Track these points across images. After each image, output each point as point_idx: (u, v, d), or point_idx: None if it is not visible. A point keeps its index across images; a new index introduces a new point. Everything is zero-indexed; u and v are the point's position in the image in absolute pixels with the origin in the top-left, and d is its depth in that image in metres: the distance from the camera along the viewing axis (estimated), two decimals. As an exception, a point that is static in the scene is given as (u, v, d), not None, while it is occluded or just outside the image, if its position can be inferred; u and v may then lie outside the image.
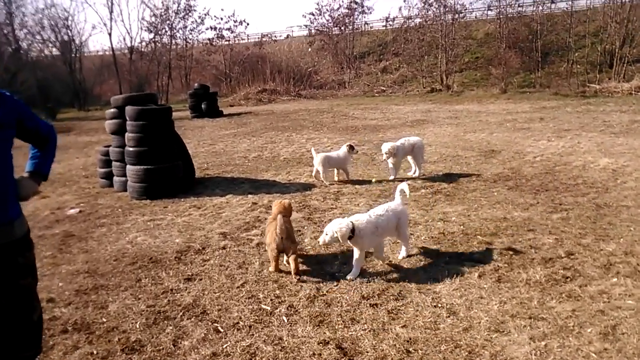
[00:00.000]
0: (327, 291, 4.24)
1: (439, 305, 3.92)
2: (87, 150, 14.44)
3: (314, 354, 3.34)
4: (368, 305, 3.97)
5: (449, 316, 3.74)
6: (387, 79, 30.50)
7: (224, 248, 5.33)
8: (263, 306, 4.01)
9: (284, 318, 3.80)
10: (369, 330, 3.59)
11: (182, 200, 7.49)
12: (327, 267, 4.74)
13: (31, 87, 29.90)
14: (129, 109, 7.67)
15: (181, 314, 3.94)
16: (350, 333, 3.57)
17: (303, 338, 3.53)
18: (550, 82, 24.24)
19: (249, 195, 7.50)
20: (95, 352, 3.44)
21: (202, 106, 21.04)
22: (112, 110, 8.36)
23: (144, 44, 38.27)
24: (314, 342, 3.47)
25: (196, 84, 22.91)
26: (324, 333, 3.58)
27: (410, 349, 3.34)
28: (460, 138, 11.90)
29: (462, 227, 5.66)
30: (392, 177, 7.87)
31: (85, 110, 32.51)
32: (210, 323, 3.78)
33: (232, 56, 35.83)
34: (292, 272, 4.47)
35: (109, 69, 38.19)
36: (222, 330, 3.67)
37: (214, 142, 13.80)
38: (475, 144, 11.04)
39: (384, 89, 28.75)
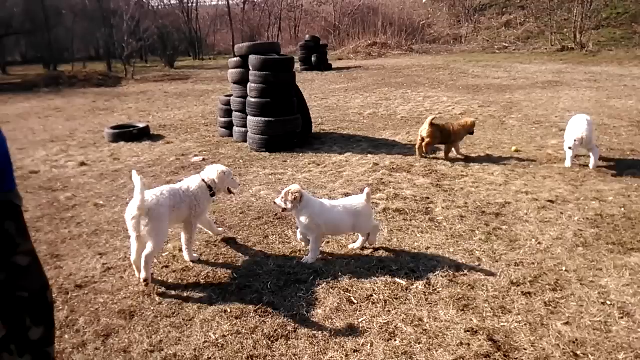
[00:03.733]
0: (467, 271, 3.80)
1: (608, 302, 3.33)
2: (204, 98, 14.91)
3: (461, 343, 2.97)
4: (520, 293, 3.48)
5: (622, 317, 3.16)
6: (509, 34, 27.93)
7: (349, 210, 5.05)
8: (398, 280, 3.68)
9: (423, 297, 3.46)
10: (525, 324, 3.13)
11: (301, 155, 7.33)
12: (464, 242, 4.28)
13: (152, 36, 31.59)
14: (252, 58, 7.54)
15: (311, 278, 3.74)
16: (502, 324, 3.14)
17: (447, 323, 3.17)
18: None
19: (369, 155, 7.13)
20: (229, 310, 3.36)
21: (312, 59, 20.79)
22: (235, 59, 8.31)
23: (256, -6, 38.54)
24: (460, 330, 3.09)
25: (307, 36, 22.64)
26: (471, 320, 3.19)
27: (579, 352, 2.84)
28: (603, 104, 10.45)
29: (622, 209, 4.85)
30: (569, 164, 6.29)
31: (200, 59, 33.83)
32: (342, 292, 3.55)
33: (343, 7, 34.87)
34: None
35: (222, 19, 39.14)
36: (355, 301, 3.42)
37: (325, 96, 13.53)
38: (624, 112, 9.61)
39: (506, 45, 26.38)
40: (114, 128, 9.31)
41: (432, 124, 6.58)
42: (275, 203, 4.00)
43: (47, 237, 4.70)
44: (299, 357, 2.86)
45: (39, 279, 2.25)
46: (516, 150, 7.04)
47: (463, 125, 6.78)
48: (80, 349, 2.98)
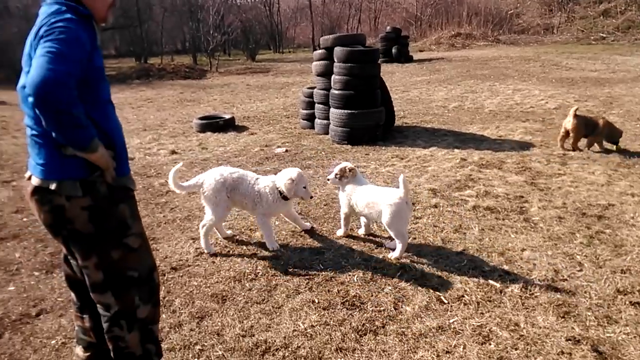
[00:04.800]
0: (568, 276, 3.54)
1: None
2: (285, 90, 15.16)
3: (562, 352, 2.77)
4: (627, 303, 3.19)
5: None
6: (607, 24, 25.80)
7: (435, 207, 4.89)
8: (491, 282, 3.50)
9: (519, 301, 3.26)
10: (634, 335, 2.87)
11: (383, 148, 7.22)
12: (563, 245, 3.99)
13: (236, 29, 32.59)
14: (337, 50, 7.52)
15: (399, 274, 3.66)
16: (608, 334, 2.89)
17: (546, 329, 2.96)
18: None
19: (455, 150, 6.88)
20: (316, 300, 3.37)
21: (393, 50, 20.44)
22: (319, 51, 8.34)
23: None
24: (561, 338, 2.88)
25: (388, 27, 22.31)
26: (573, 329, 2.96)
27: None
28: None
29: None
30: None
31: (280, 53, 34.48)
32: (431, 291, 3.43)
33: (425, -3, 34.03)
34: None
35: (302, 12, 39.57)
36: (446, 301, 3.30)
37: (406, 88, 13.26)
38: None
39: (604, 35, 24.41)
40: (201, 119, 9.71)
41: (576, 115, 6.20)
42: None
43: (143, 220, 4.91)
44: (388, 354, 2.80)
45: (148, 261, 2.36)
46: (618, 149, 6.47)
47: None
48: (177, 329, 3.11)
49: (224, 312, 3.27)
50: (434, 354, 2.78)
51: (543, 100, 10.15)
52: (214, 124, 9.37)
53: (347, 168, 4.13)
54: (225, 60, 29.60)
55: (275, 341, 2.93)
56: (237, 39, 32.54)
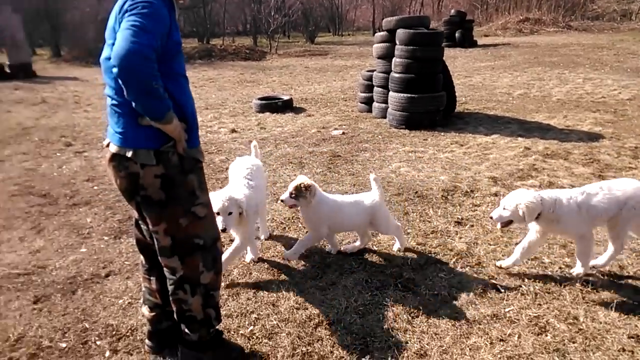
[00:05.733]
0: (634, 273, 3.38)
1: None
2: (343, 74, 15.12)
3: (623, 349, 2.66)
4: (699, 305, 3.01)
5: None
6: (694, 9, 23.83)
7: (495, 195, 4.77)
8: (550, 273, 3.40)
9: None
10: None
11: (442, 134, 7.09)
12: (630, 241, 3.79)
13: (297, 11, 32.67)
14: (400, 32, 7.40)
15: (453, 260, 3.63)
16: (673, 334, 2.75)
17: (607, 325, 2.86)
18: None
19: (519, 138, 6.64)
20: (369, 280, 3.40)
21: (456, 35, 19.85)
22: (381, 33, 8.24)
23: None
24: (623, 335, 2.77)
25: (452, 11, 21.69)
26: (636, 327, 2.83)
27: None
28: None
29: None
30: None
31: (339, 35, 34.29)
32: (487, 278, 3.38)
33: (492, -20, 32.64)
34: None
35: (364, -6, 39.08)
36: (502, 290, 3.24)
37: (469, 74, 12.87)
38: None
39: (689, 22, 22.58)
40: (260, 99, 9.88)
41: None
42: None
43: (205, 194, 5.17)
44: (440, 337, 2.80)
45: (213, 230, 2.47)
46: None
47: None
48: (235, 298, 3.25)
49: (279, 285, 3.37)
50: (487, 341, 2.75)
51: (616, 91, 9.56)
52: (273, 105, 9.52)
53: (302, 185, 3.39)
54: (284, 42, 29.82)
55: (328, 315, 3.00)
56: (297, 21, 32.65)
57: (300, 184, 3.41)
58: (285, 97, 9.91)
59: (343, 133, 7.51)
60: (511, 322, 2.92)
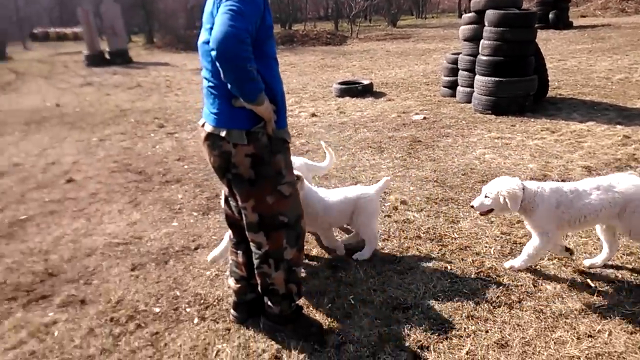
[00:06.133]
0: None
1: None
2: (425, 57, 14.75)
3: None
4: None
5: None
6: None
7: (589, 185, 4.47)
8: (650, 271, 3.15)
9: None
10: None
11: (532, 120, 6.73)
12: None
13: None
14: (489, 13, 7.07)
15: (540, 251, 3.47)
16: None
17: None
18: None
19: (618, 126, 6.15)
20: (449, 267, 3.35)
21: (550, 15, 18.57)
22: (469, 14, 7.93)
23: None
24: None
25: (546, -10, 20.23)
26: None
27: None
28: None
29: None
30: None
31: (423, 18, 33.37)
32: (577, 273, 3.20)
33: (593, -45, 30.03)
34: None
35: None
36: (593, 285, 3.06)
37: (563, 57, 12.04)
38: None
39: None
40: (341, 84, 9.91)
41: None
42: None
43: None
44: (523, 329, 2.70)
45: (297, 209, 2.56)
46: None
47: None
48: (314, 276, 3.34)
49: (357, 267, 3.42)
50: (574, 335, 2.63)
51: None
52: (353, 89, 9.52)
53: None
54: (365, 26, 29.54)
55: (406, 299, 3.00)
56: (379, 5, 32.16)
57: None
58: (366, 82, 9.86)
59: (424, 118, 7.36)
60: (602, 318, 2.75)
